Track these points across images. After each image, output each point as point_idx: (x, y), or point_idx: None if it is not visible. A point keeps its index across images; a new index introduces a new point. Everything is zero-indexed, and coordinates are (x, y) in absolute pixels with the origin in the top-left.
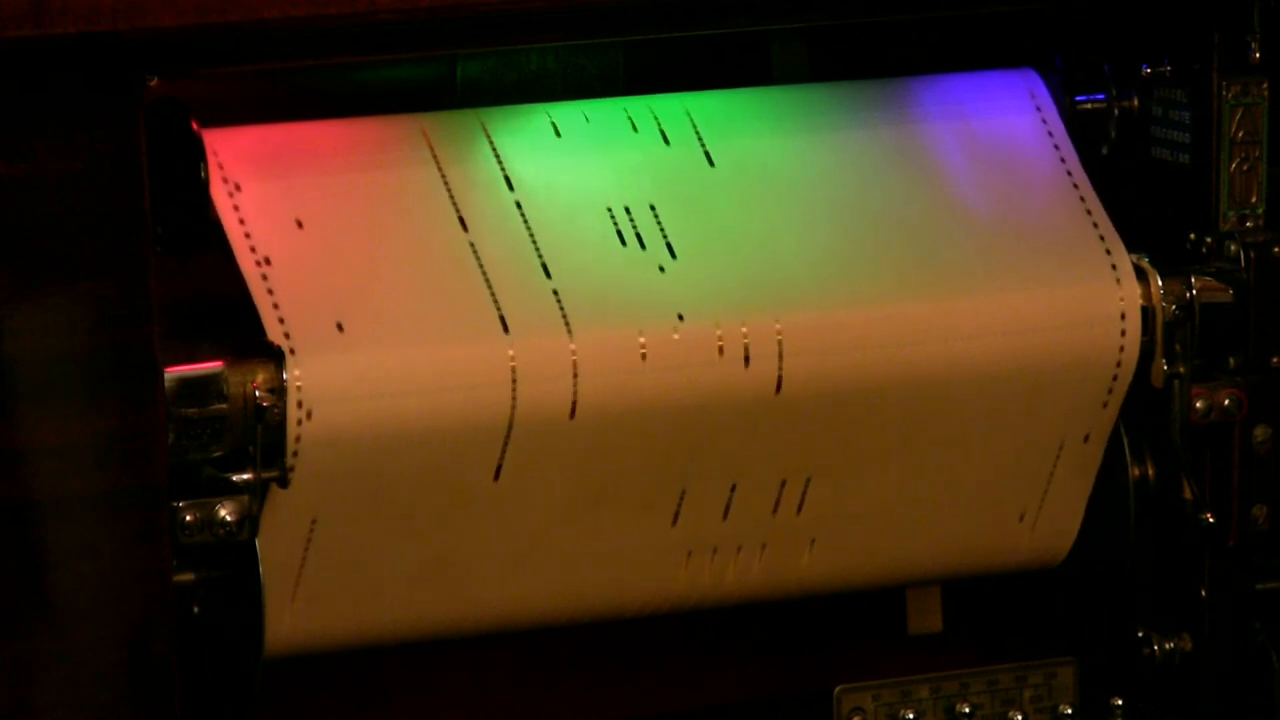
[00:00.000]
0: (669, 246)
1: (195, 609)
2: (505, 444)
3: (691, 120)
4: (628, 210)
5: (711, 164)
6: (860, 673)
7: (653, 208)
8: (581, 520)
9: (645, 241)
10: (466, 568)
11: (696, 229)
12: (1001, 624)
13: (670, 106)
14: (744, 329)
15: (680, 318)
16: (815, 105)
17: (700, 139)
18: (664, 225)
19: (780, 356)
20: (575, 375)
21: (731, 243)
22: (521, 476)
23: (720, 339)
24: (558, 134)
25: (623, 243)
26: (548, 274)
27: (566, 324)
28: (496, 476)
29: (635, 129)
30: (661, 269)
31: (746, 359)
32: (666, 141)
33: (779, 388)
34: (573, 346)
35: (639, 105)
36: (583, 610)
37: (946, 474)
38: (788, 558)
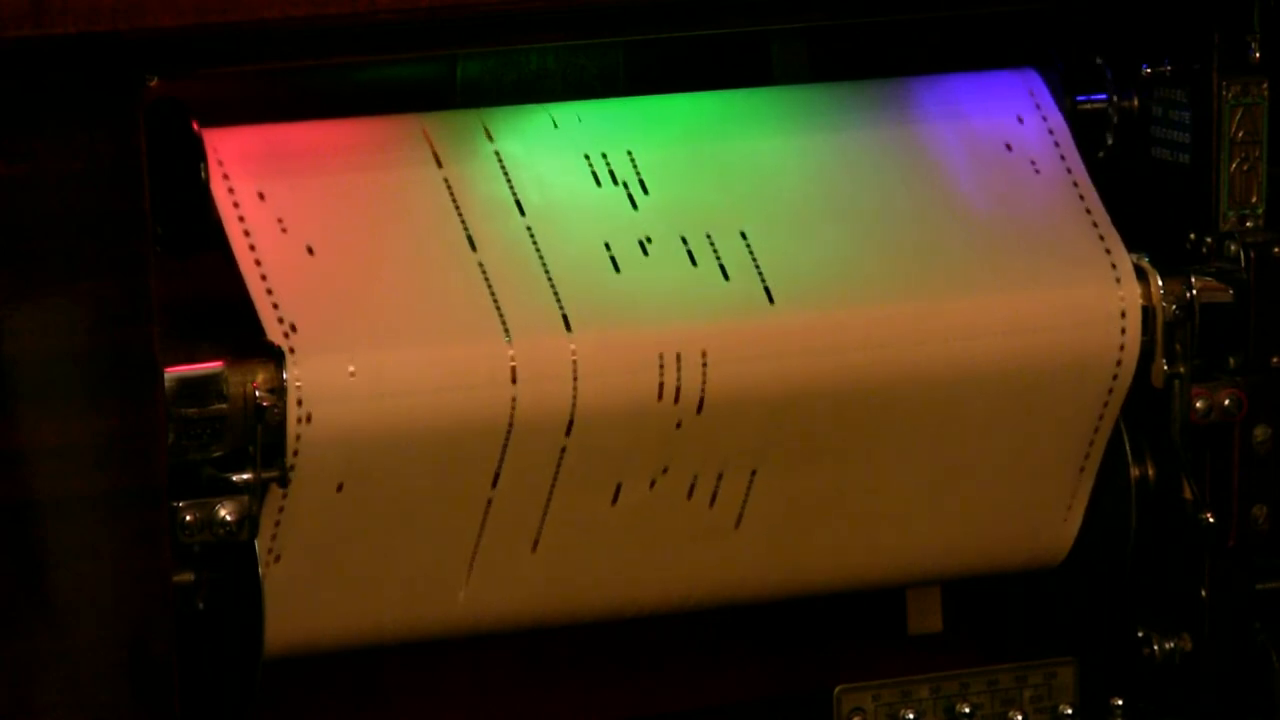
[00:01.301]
0: (643, 184)
1: (195, 609)
2: (505, 444)
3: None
4: (629, 204)
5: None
6: (860, 673)
7: (635, 165)
8: (582, 519)
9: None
10: (466, 568)
11: (704, 234)
12: (1001, 624)
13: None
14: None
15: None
16: (815, 105)
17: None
18: (639, 168)
19: (779, 357)
20: (575, 376)
21: (733, 244)
22: (522, 475)
23: (715, 340)
24: (616, 268)
25: (611, 254)
26: (548, 274)
27: (567, 324)
28: (496, 476)
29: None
30: (673, 262)
31: (743, 358)
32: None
33: (774, 390)
34: (573, 347)
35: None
36: (584, 610)
37: (946, 474)
38: (788, 554)
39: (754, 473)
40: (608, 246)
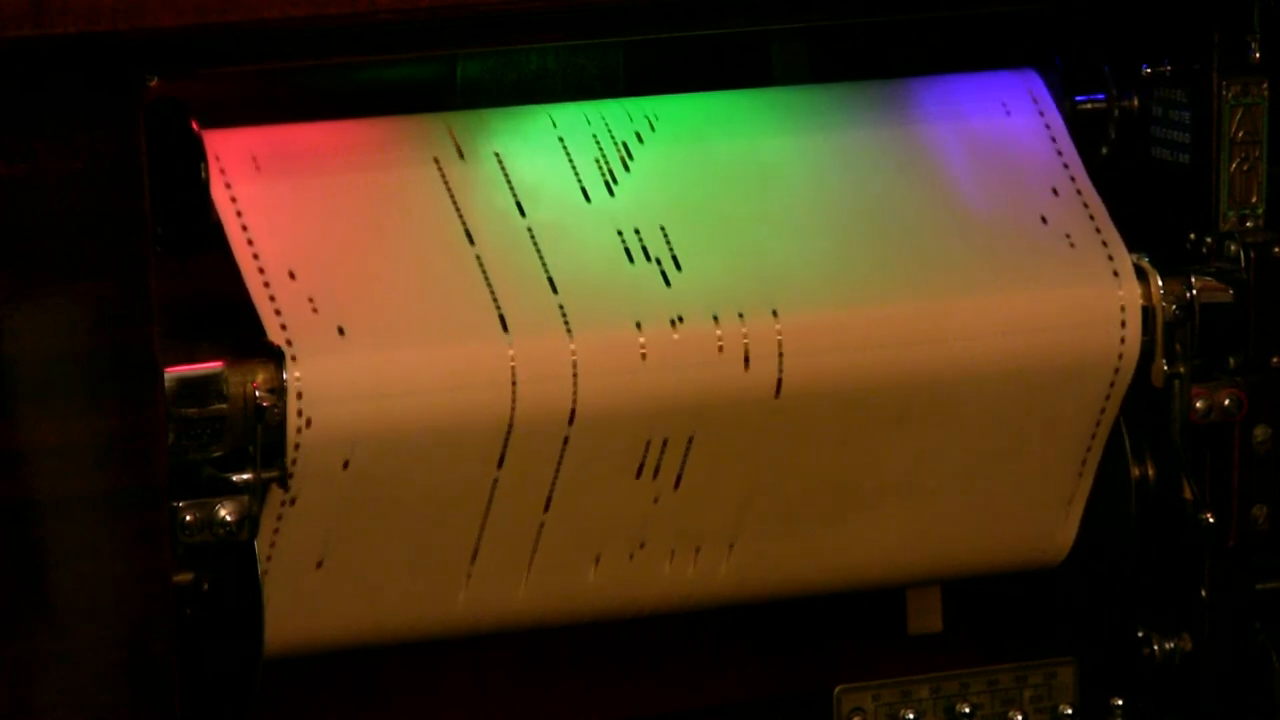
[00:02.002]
0: (674, 259)
1: (195, 609)
2: (505, 444)
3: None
4: (637, 231)
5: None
6: (860, 673)
7: (663, 229)
8: (582, 520)
9: (649, 250)
10: (466, 568)
11: (702, 232)
12: (1001, 624)
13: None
14: (744, 330)
15: (680, 319)
16: (815, 105)
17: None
18: (670, 236)
19: (780, 357)
20: (575, 376)
21: (733, 243)
22: (522, 474)
23: (720, 340)
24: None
25: (623, 242)
26: (548, 274)
27: (566, 324)
28: (496, 477)
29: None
30: (664, 274)
31: (746, 360)
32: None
33: (779, 389)
34: (573, 347)
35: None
36: (584, 610)
37: (946, 473)
38: (787, 555)
39: (754, 473)
40: (609, 244)
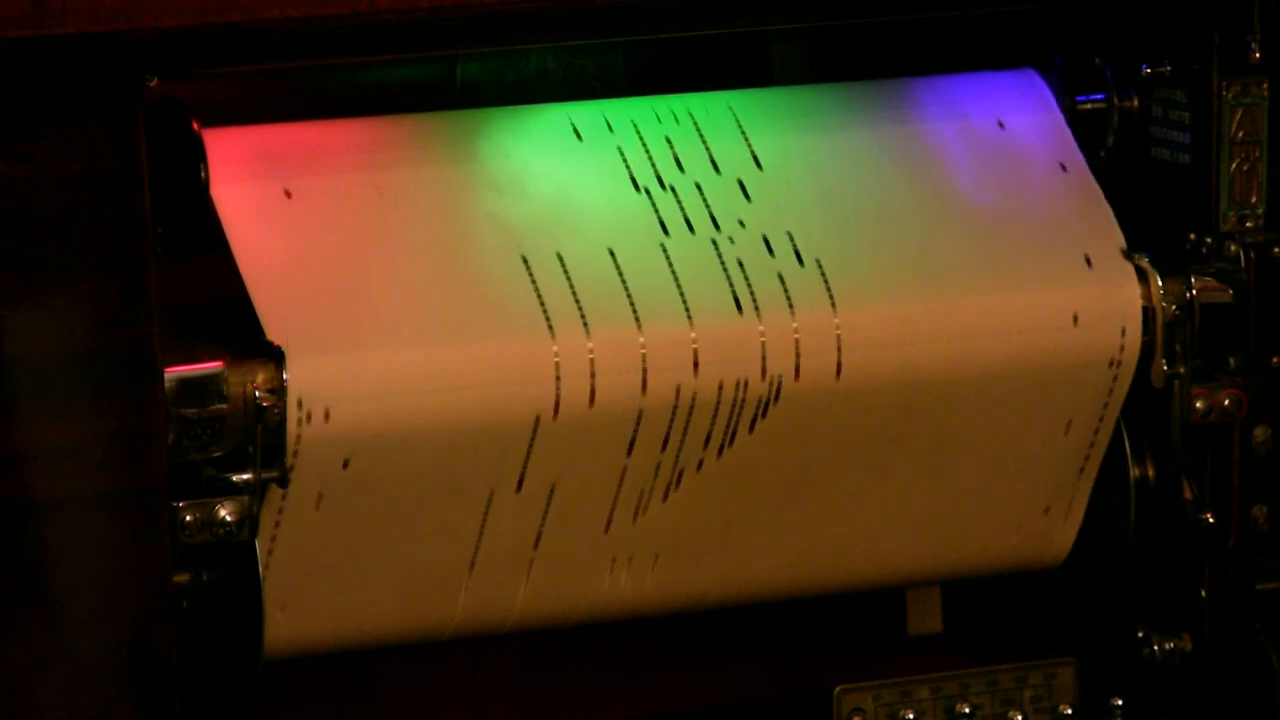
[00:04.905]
0: (671, 261)
1: (195, 609)
2: (504, 444)
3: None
4: (636, 230)
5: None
6: (860, 673)
7: (650, 196)
8: (585, 520)
9: (648, 249)
10: (466, 568)
11: (701, 232)
12: (1001, 624)
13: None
14: (741, 331)
15: (679, 320)
16: (815, 105)
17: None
18: (667, 236)
19: (778, 358)
20: (575, 376)
21: (732, 244)
22: (521, 477)
23: (719, 341)
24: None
25: (622, 243)
26: (549, 275)
27: (567, 325)
28: (496, 478)
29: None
30: (662, 273)
31: (742, 360)
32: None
33: (778, 390)
34: (573, 347)
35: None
36: (584, 612)
37: (946, 474)
38: (787, 555)
39: (754, 473)
40: (638, 326)
